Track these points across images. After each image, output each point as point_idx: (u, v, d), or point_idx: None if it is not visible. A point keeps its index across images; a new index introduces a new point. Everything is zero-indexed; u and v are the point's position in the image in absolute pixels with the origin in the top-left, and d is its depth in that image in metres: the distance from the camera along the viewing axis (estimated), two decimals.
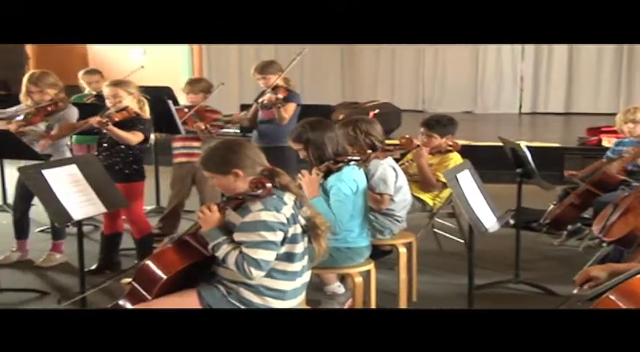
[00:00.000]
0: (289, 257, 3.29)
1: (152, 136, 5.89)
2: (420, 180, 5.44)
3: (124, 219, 5.60)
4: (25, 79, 5.61)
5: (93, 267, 5.44)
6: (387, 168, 4.75)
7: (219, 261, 3.27)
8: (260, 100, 6.30)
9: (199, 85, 6.47)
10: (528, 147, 5.50)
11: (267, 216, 3.19)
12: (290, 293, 3.32)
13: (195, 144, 6.26)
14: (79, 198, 4.20)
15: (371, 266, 4.39)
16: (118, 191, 4.58)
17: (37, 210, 5.70)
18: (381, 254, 5.16)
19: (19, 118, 5.44)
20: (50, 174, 4.12)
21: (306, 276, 3.45)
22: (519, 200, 5.31)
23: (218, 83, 6.89)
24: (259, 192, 3.22)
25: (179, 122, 6.03)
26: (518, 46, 13.73)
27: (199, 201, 6.35)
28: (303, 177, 4.01)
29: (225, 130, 6.79)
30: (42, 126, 5.50)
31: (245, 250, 3.15)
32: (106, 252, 5.59)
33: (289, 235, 3.27)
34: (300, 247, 3.33)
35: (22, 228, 5.82)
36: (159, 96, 6.02)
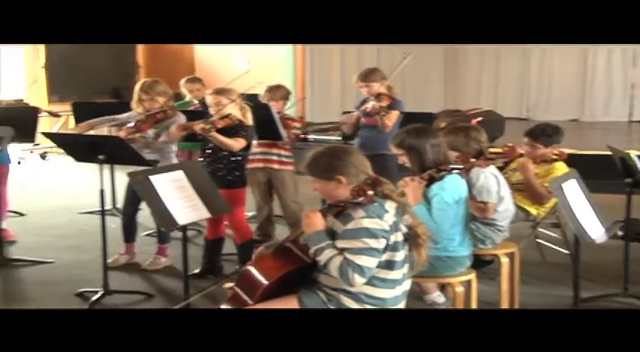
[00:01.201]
0: (390, 264, 3.28)
1: (254, 143, 5.97)
2: (529, 193, 5.32)
3: (226, 225, 5.69)
4: (137, 87, 5.78)
5: (196, 271, 5.55)
6: (489, 177, 4.68)
7: (320, 268, 3.29)
8: (363, 108, 6.30)
9: (280, 93, 6.51)
10: (639, 157, 5.31)
11: (369, 223, 3.19)
12: (390, 301, 3.31)
13: (274, 150, 6.30)
14: (184, 204, 4.28)
15: (472, 276, 4.33)
16: (222, 197, 4.66)
17: (145, 215, 5.86)
18: (482, 263, 5.08)
19: (129, 125, 5.62)
20: (157, 180, 4.23)
21: (407, 285, 3.43)
22: (629, 210, 5.14)
23: (318, 90, 6.92)
24: (361, 199, 3.22)
25: (281, 128, 6.09)
26: (629, 51, 13.28)
27: (280, 206, 6.42)
28: (406, 184, 3.99)
29: (327, 137, 6.82)
30: (151, 133, 5.65)
31: (349, 256, 3.15)
32: (209, 256, 5.69)
33: (391, 243, 3.25)
34: (400, 255, 3.32)
35: (130, 231, 6.00)
36: (261, 103, 6.09)
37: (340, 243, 3.21)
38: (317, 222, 3.27)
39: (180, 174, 4.36)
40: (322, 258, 3.20)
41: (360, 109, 6.38)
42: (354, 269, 3.13)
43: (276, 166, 6.29)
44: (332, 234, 3.27)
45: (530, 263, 5.60)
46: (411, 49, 6.46)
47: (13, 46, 12.39)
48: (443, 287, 4.71)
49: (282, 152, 6.28)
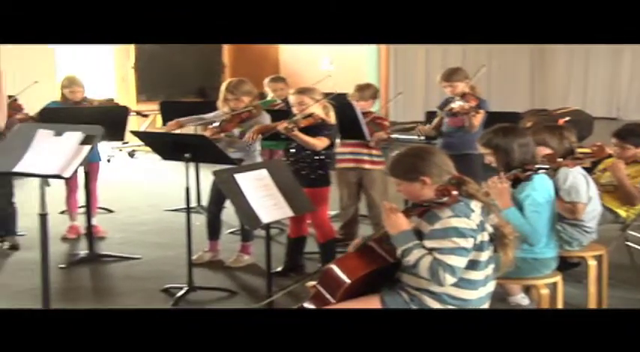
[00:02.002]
0: (474, 265, 3.24)
1: (337, 141, 5.97)
2: (621, 194, 5.18)
3: (308, 223, 5.72)
4: (222, 87, 5.85)
5: (278, 269, 5.60)
6: (577, 176, 4.58)
7: (403, 267, 3.27)
8: (448, 108, 6.25)
9: (369, 91, 6.49)
10: None
11: (457, 222, 3.17)
12: (474, 302, 3.27)
13: (364, 150, 6.28)
14: (268, 202, 4.31)
15: (558, 279, 4.23)
16: (305, 196, 4.68)
17: (229, 213, 5.93)
18: (568, 266, 4.98)
19: (215, 124, 5.70)
20: (242, 178, 4.27)
21: (491, 286, 3.38)
22: None
23: (401, 90, 6.89)
24: (445, 199, 3.20)
25: (364, 128, 6.08)
26: None
27: (367, 205, 6.39)
28: (491, 186, 3.94)
29: (409, 137, 6.78)
30: (236, 132, 5.72)
31: (439, 256, 3.13)
32: (292, 254, 5.72)
33: (477, 242, 3.22)
34: (485, 255, 3.28)
35: (214, 229, 6.08)
36: (345, 102, 6.09)
37: (429, 243, 3.19)
38: (401, 222, 3.26)
39: (264, 172, 4.40)
40: (411, 259, 3.18)
41: (444, 110, 6.32)
42: (445, 269, 3.11)
43: (367, 166, 6.28)
44: (417, 234, 3.25)
45: (619, 266, 5.45)
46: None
47: (104, 47, 12.74)
48: (527, 290, 4.63)
49: (374, 151, 6.27)
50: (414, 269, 3.20)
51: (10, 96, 6.38)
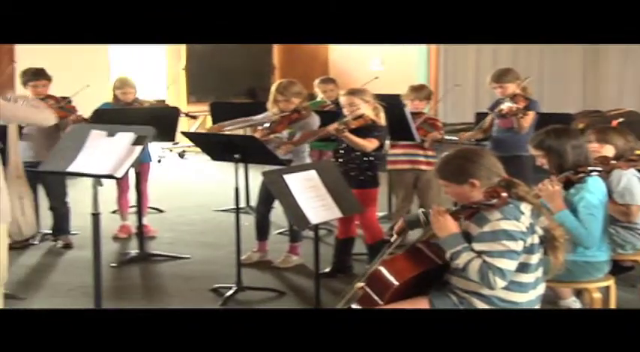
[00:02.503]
0: (524, 267, 3.21)
1: (387, 143, 5.96)
2: None
3: (357, 225, 5.71)
4: (272, 88, 5.88)
5: (326, 270, 5.60)
6: (631, 178, 4.51)
7: (452, 270, 3.25)
8: (497, 110, 6.19)
9: (424, 92, 6.48)
10: None
11: (507, 224, 3.14)
12: (524, 305, 3.23)
13: (420, 151, 6.25)
14: (317, 203, 4.32)
15: (610, 283, 4.17)
16: (354, 197, 4.67)
17: (277, 213, 5.96)
18: (622, 269, 4.89)
19: (265, 126, 5.73)
20: (291, 179, 4.29)
21: (541, 289, 3.34)
22: None
23: (451, 92, 6.84)
24: (494, 201, 3.17)
25: (414, 129, 6.05)
26: None
27: (419, 207, 6.35)
28: (543, 188, 3.90)
29: (458, 139, 6.73)
30: (285, 133, 5.74)
31: (489, 259, 3.11)
32: (340, 255, 5.72)
33: (527, 245, 3.19)
34: (535, 258, 3.24)
35: (263, 229, 6.11)
36: (395, 104, 6.07)
37: (478, 246, 3.16)
38: (450, 224, 3.24)
39: (313, 173, 4.40)
40: (460, 262, 3.16)
41: (494, 111, 6.27)
42: (495, 272, 3.09)
43: (423, 167, 6.25)
44: (466, 236, 3.23)
45: None
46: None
47: (156, 48, 12.89)
48: (579, 293, 4.56)
49: (429, 152, 6.24)
50: (463, 272, 3.17)
51: (63, 98, 6.49)
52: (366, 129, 5.34)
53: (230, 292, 5.21)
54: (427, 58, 12.88)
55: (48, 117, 3.97)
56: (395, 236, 3.66)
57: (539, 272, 3.30)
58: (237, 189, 5.33)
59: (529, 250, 3.20)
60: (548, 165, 4.12)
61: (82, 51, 11.19)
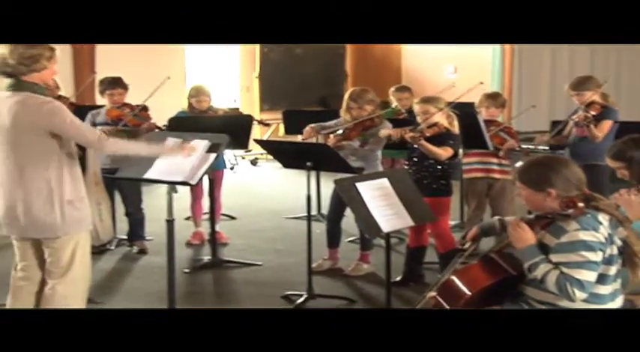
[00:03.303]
0: (602, 279, 3.14)
1: (460, 151, 5.90)
2: None
3: (429, 233, 5.67)
4: (345, 96, 5.90)
5: (398, 279, 5.57)
6: None
7: (527, 280, 3.20)
8: (573, 117, 6.08)
9: (500, 100, 6.39)
10: None
11: (585, 235, 3.08)
12: None
13: (494, 160, 6.16)
14: (388, 211, 4.29)
15: None
16: (427, 205, 4.64)
17: (348, 221, 5.95)
18: None
19: (338, 133, 5.73)
20: (363, 187, 4.27)
21: (619, 301, 3.26)
22: None
23: (526, 99, 6.73)
24: (570, 211, 3.11)
25: (487, 137, 5.98)
26: None
27: (492, 216, 6.25)
28: (619, 198, 3.79)
29: (538, 147, 6.63)
30: (357, 141, 5.74)
31: (566, 271, 3.06)
32: (411, 264, 5.69)
33: (606, 255, 3.12)
34: (613, 269, 3.17)
35: (334, 237, 6.11)
36: (468, 111, 6.01)
37: (556, 257, 3.11)
38: (527, 235, 3.20)
39: (385, 181, 4.38)
40: (538, 273, 3.12)
41: (571, 118, 6.16)
42: (573, 283, 3.03)
43: (497, 175, 6.16)
44: (541, 247, 3.17)
45: None
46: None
47: (231, 57, 13.06)
48: None
49: (503, 161, 6.15)
50: (541, 284, 3.12)
51: (139, 106, 6.60)
52: (441, 138, 5.31)
53: (301, 299, 5.23)
54: (501, 65, 12.72)
55: (91, 141, 3.97)
56: (468, 242, 3.61)
57: (618, 284, 3.22)
58: (308, 197, 5.35)
59: (608, 261, 3.13)
60: (629, 176, 3.97)
61: (159, 60, 11.46)
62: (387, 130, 5.62)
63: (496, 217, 3.72)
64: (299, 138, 6.13)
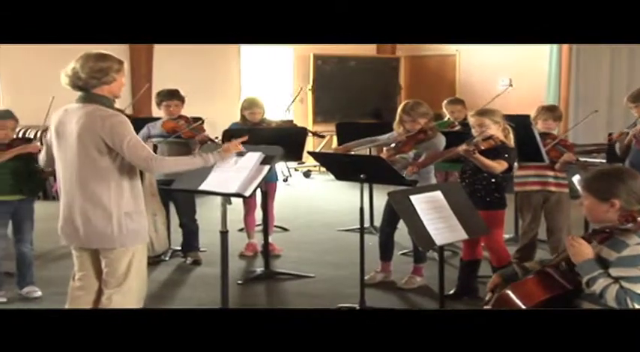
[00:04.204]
0: None
1: (515, 164, 5.84)
2: None
3: (482, 246, 5.61)
4: (399, 109, 5.89)
5: (451, 292, 5.52)
6: None
7: (583, 295, 3.15)
8: (630, 130, 5.98)
9: (557, 112, 6.30)
10: None
11: None
12: None
13: (550, 173, 6.07)
14: (442, 224, 4.27)
15: None
16: (480, 218, 4.60)
17: (401, 234, 5.93)
18: None
19: (392, 146, 5.72)
20: (417, 200, 4.26)
21: None
22: None
23: (582, 112, 6.63)
24: (629, 225, 3.05)
25: (543, 150, 5.90)
26: None
27: (547, 229, 6.17)
28: None
29: (595, 160, 6.53)
30: (411, 154, 5.72)
31: (627, 285, 3.02)
32: (465, 278, 5.63)
33: None
34: None
35: (386, 249, 6.08)
36: (524, 124, 5.94)
37: (615, 271, 3.06)
38: (585, 250, 3.15)
39: (438, 194, 4.36)
40: (596, 288, 3.08)
41: (629, 131, 6.06)
42: (633, 298, 2.99)
43: (553, 188, 6.07)
44: (600, 261, 3.12)
45: None
46: None
47: (285, 69, 13.16)
48: None
49: (559, 174, 6.07)
50: (600, 298, 3.07)
51: (195, 119, 6.66)
52: (496, 151, 5.25)
53: None
54: (557, 76, 12.55)
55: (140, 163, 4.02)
56: (489, 293, 3.56)
57: None
58: (361, 209, 5.34)
59: None
60: None
61: (214, 73, 11.61)
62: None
63: (514, 262, 3.67)
64: (353, 150, 6.13)
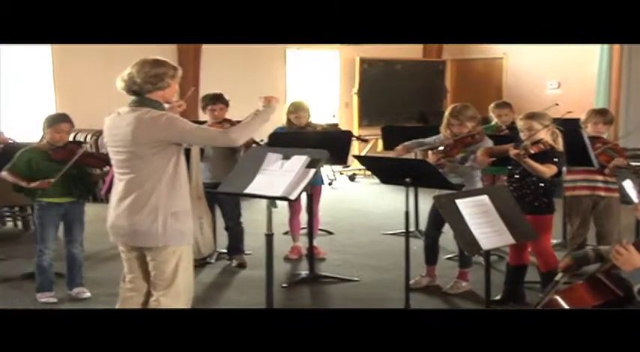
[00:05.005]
0: None
1: (564, 169, 5.76)
2: None
3: (530, 252, 5.55)
4: (446, 112, 5.87)
5: (497, 297, 5.47)
6: None
7: (635, 302, 3.10)
8: None
9: (608, 116, 6.20)
10: None
11: None
12: None
13: (599, 177, 5.98)
14: (488, 228, 4.23)
15: None
16: (528, 223, 4.55)
17: (446, 238, 5.89)
18: None
19: (439, 149, 5.69)
20: (463, 204, 4.22)
21: None
22: None
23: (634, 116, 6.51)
24: None
25: (593, 155, 5.82)
26: None
27: (596, 234, 6.08)
28: None
29: None
30: (457, 157, 5.68)
31: None
32: (511, 283, 5.57)
33: None
34: None
35: (432, 254, 6.05)
36: (573, 128, 5.86)
37: None
38: (635, 258, 3.09)
39: (485, 198, 4.32)
40: None
41: None
42: None
43: (602, 193, 5.99)
44: None
45: None
46: None
47: (332, 73, 13.17)
48: None
49: (608, 178, 5.98)
50: None
51: (239, 122, 6.69)
52: (545, 155, 5.19)
53: None
54: (607, 78, 12.34)
55: (218, 137, 4.11)
56: (560, 273, 3.52)
57: None
58: (407, 213, 5.32)
59: None
60: None
61: (260, 77, 11.68)
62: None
63: (589, 247, 3.62)
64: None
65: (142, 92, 3.93)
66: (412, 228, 7.31)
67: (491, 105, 7.73)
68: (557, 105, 7.84)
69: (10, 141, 6.76)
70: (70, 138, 5.84)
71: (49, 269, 5.63)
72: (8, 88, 10.31)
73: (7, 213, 8.30)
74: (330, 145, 5.02)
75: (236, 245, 6.82)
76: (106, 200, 4.44)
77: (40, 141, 5.68)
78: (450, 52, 13.94)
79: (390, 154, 6.23)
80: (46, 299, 5.61)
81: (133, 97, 3.96)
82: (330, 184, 11.30)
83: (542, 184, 5.26)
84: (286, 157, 4.34)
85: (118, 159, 3.99)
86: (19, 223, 8.46)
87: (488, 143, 5.69)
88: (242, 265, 6.70)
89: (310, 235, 6.52)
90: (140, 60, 3.96)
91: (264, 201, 4.55)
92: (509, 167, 5.48)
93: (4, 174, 5.55)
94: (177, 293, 4.03)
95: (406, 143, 5.97)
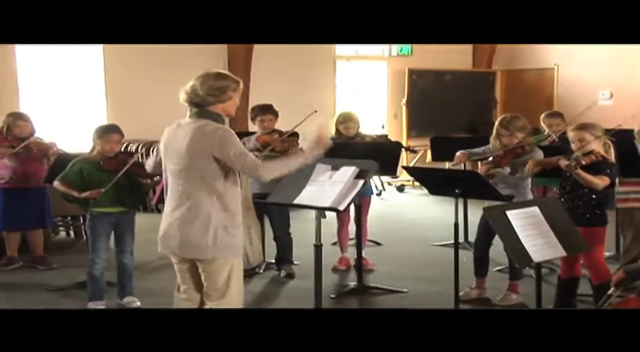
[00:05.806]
0: None
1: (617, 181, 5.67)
2: None
3: (582, 264, 5.47)
4: (497, 122, 5.84)
5: None
6: None
7: None
8: None
9: None
10: None
11: None
12: None
13: None
14: (539, 240, 4.18)
15: None
16: (580, 235, 4.48)
17: (496, 250, 5.83)
18: None
19: (489, 160, 5.65)
20: (513, 215, 4.18)
21: None
22: None
23: None
24: None
25: None
26: None
27: None
28: None
29: None
30: (507, 168, 5.64)
31: None
32: (563, 296, 5.49)
33: None
34: None
35: (481, 265, 5.99)
36: (626, 139, 5.78)
37: None
38: None
39: (536, 210, 4.27)
40: None
41: None
42: None
43: None
44: None
45: None
46: None
47: (381, 85, 13.18)
48: None
49: None
50: None
51: (287, 132, 6.73)
52: (597, 166, 5.12)
53: None
54: None
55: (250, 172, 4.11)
56: (613, 288, 3.46)
57: None
58: (456, 224, 5.28)
59: None
60: None
61: (309, 88, 11.71)
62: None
63: None
64: (447, 164, 6.07)
65: (203, 104, 3.97)
66: (461, 240, 7.26)
67: (543, 114, 7.66)
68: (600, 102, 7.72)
69: (61, 152, 6.88)
70: (121, 149, 5.93)
71: (100, 279, 5.71)
72: (61, 99, 10.53)
73: (60, 223, 8.43)
74: (379, 156, 5.03)
75: (285, 255, 6.84)
76: (156, 210, 4.50)
77: (90, 151, 5.77)
78: (500, 62, 13.83)
79: (446, 164, 6.20)
80: (98, 308, 5.69)
81: (194, 109, 4.00)
82: (378, 195, 11.26)
83: (594, 196, 5.18)
84: (335, 168, 4.34)
85: (173, 169, 4.04)
86: (72, 233, 8.60)
87: (539, 154, 5.63)
88: (290, 275, 6.71)
89: (359, 246, 6.51)
90: (203, 73, 4.01)
91: (313, 212, 4.56)
92: (560, 178, 5.41)
93: (57, 184, 5.65)
94: (231, 303, 4.07)
95: (465, 151, 5.94)
